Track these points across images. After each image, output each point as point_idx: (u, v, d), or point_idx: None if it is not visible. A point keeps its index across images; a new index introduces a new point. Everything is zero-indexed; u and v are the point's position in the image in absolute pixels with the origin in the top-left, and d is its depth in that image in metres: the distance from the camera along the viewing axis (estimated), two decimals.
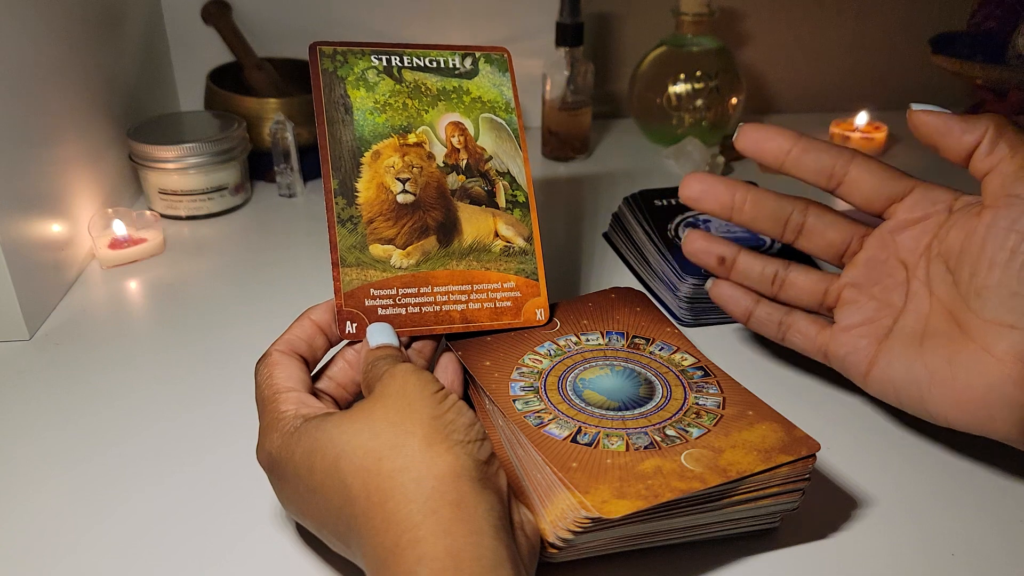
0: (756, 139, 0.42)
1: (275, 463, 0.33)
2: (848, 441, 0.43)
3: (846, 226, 0.43)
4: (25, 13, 0.53)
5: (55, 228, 0.56)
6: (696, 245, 0.46)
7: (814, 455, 0.34)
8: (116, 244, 0.61)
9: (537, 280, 0.45)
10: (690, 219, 0.58)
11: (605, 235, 0.65)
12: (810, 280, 0.44)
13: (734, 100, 0.80)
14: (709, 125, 0.80)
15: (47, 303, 0.55)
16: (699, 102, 0.79)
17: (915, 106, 0.40)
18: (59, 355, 0.50)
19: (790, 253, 0.51)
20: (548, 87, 0.77)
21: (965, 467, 0.41)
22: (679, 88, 0.79)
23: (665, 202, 0.60)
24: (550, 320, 0.45)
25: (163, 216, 0.67)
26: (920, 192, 0.41)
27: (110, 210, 0.62)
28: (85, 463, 0.42)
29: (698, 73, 0.78)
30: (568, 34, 0.75)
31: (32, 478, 0.41)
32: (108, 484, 0.40)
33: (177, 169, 0.65)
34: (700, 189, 0.43)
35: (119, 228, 0.61)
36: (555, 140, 0.79)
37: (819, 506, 0.39)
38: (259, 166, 0.73)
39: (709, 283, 0.47)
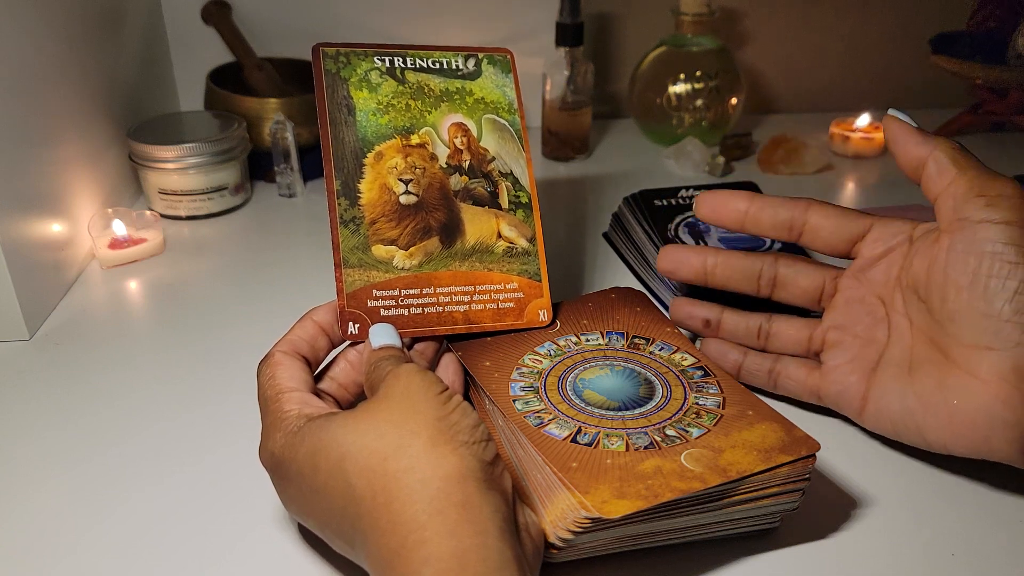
0: (713, 206, 0.44)
1: (278, 463, 0.33)
2: (848, 441, 0.43)
3: (817, 272, 0.44)
4: (25, 13, 0.53)
5: (55, 228, 0.56)
6: (682, 312, 0.47)
7: (814, 455, 0.34)
8: (116, 244, 0.61)
9: (540, 281, 0.45)
10: (690, 220, 0.58)
11: (605, 235, 0.65)
12: (794, 328, 0.44)
13: (734, 100, 0.80)
14: (709, 125, 0.80)
15: (47, 303, 0.55)
16: (699, 102, 0.79)
17: (891, 112, 0.41)
18: (59, 355, 0.50)
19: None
20: (548, 87, 0.77)
21: (965, 467, 0.41)
22: (679, 88, 0.79)
23: (665, 202, 0.60)
24: (553, 321, 0.45)
25: (163, 216, 0.67)
26: (879, 228, 0.42)
27: (110, 210, 0.62)
28: (85, 463, 0.42)
29: (698, 73, 0.78)
30: (568, 34, 0.75)
31: (32, 478, 0.41)
32: (108, 484, 0.40)
33: (177, 169, 0.65)
34: (674, 262, 0.46)
35: (119, 228, 0.61)
36: (555, 140, 0.79)
37: (819, 506, 0.39)
38: (259, 166, 0.73)
39: (699, 344, 0.48)
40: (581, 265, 0.61)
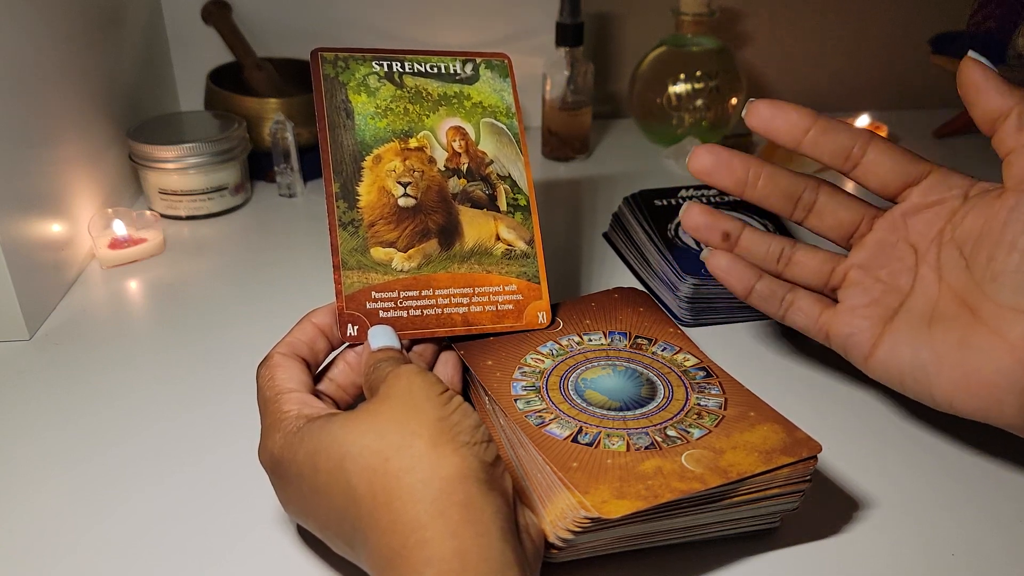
0: (770, 115, 0.40)
1: (277, 463, 0.33)
2: (849, 442, 0.43)
3: (858, 207, 0.42)
4: (25, 13, 0.53)
5: (55, 228, 0.56)
6: (698, 220, 0.43)
7: (815, 456, 0.34)
8: (116, 244, 0.61)
9: (539, 283, 0.45)
10: None
11: (605, 235, 0.65)
12: (816, 259, 0.43)
13: (734, 100, 0.80)
14: (709, 125, 0.80)
15: (47, 303, 0.55)
16: (699, 102, 0.79)
17: (972, 54, 0.38)
18: (59, 355, 0.50)
19: None
20: (548, 87, 0.77)
21: (965, 467, 0.41)
22: (679, 88, 0.79)
23: (665, 202, 0.60)
24: (552, 322, 0.45)
25: (163, 216, 0.67)
26: (937, 176, 0.40)
27: (110, 210, 0.62)
28: (85, 463, 0.42)
29: (698, 73, 0.78)
30: (568, 34, 0.75)
31: (32, 478, 0.41)
32: (108, 484, 0.40)
33: (177, 169, 0.65)
34: (712, 161, 0.41)
35: (119, 228, 0.61)
36: (555, 140, 0.79)
37: (819, 506, 0.39)
38: (259, 166, 0.73)
39: (706, 252, 0.44)
40: (581, 265, 0.61)
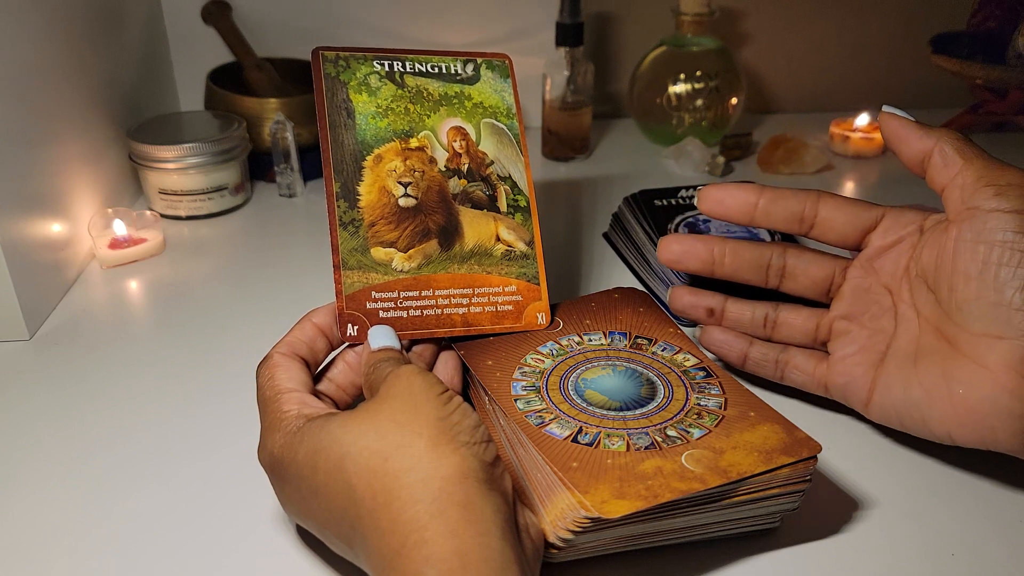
0: (720, 198, 0.43)
1: (277, 463, 0.33)
2: (849, 442, 0.43)
3: (826, 261, 0.43)
4: (25, 13, 0.53)
5: (55, 228, 0.56)
6: (684, 301, 0.46)
7: (815, 456, 0.34)
8: (116, 244, 0.61)
9: (538, 284, 0.45)
10: (690, 219, 0.58)
11: (605, 235, 0.65)
12: (801, 317, 0.44)
13: (734, 100, 0.80)
14: (709, 125, 0.80)
15: (47, 303, 0.55)
16: (699, 102, 0.79)
17: (886, 108, 0.41)
18: (59, 355, 0.50)
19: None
20: (548, 87, 0.77)
21: (965, 468, 0.41)
22: (679, 88, 0.79)
23: (665, 202, 0.60)
24: (552, 323, 0.45)
25: (163, 216, 0.67)
26: (891, 217, 0.41)
27: (110, 210, 0.62)
28: (85, 463, 0.42)
29: (698, 73, 0.78)
30: (568, 34, 0.75)
31: (32, 478, 0.41)
32: (108, 484, 0.40)
33: (177, 169, 0.65)
34: (679, 251, 0.44)
35: (119, 228, 0.61)
36: (555, 140, 0.79)
37: (819, 506, 0.39)
38: (259, 166, 0.73)
39: (698, 331, 0.47)
40: (581, 265, 0.61)
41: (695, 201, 0.44)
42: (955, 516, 0.38)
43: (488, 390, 0.39)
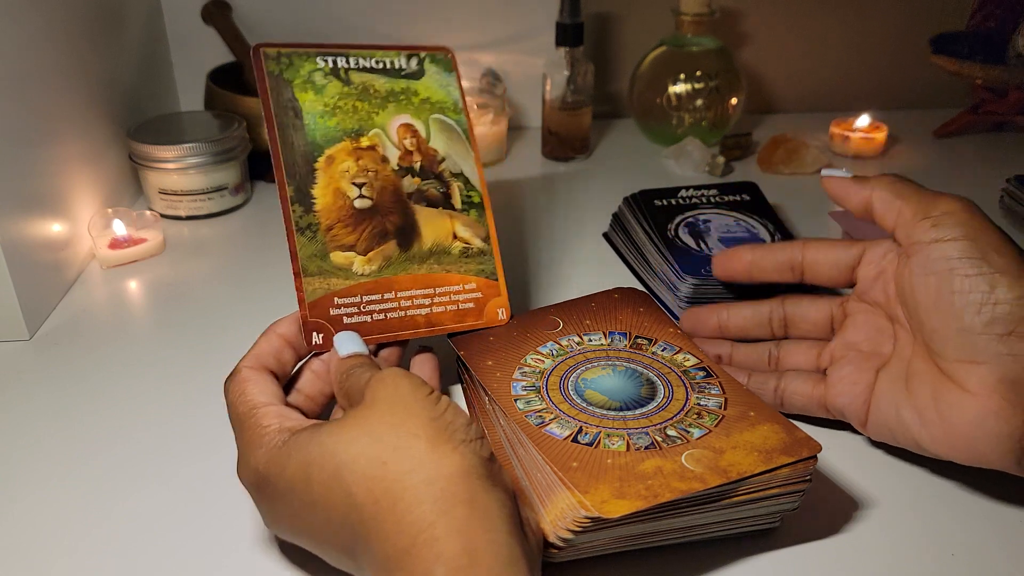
0: (723, 264, 0.48)
1: (263, 480, 0.32)
2: (849, 442, 0.43)
3: (823, 303, 0.45)
4: (25, 13, 0.53)
5: (55, 228, 0.56)
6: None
7: (815, 456, 0.34)
8: (116, 244, 0.61)
9: (497, 280, 0.45)
10: (690, 219, 0.58)
11: (605, 235, 0.65)
12: (802, 349, 0.45)
13: (734, 100, 0.80)
14: (709, 125, 0.80)
15: (47, 303, 0.55)
16: (699, 102, 0.79)
17: (824, 172, 0.44)
18: (59, 355, 0.50)
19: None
20: (548, 87, 0.77)
21: (965, 468, 0.41)
22: (679, 88, 0.79)
23: (665, 202, 0.60)
24: (512, 317, 0.45)
25: (163, 216, 0.67)
26: (870, 251, 0.43)
27: (110, 210, 0.62)
28: (85, 463, 0.42)
29: (698, 73, 0.78)
30: (568, 34, 0.75)
31: (32, 478, 0.41)
32: (108, 484, 0.40)
33: (177, 169, 0.65)
34: (693, 324, 0.48)
35: (119, 228, 0.61)
36: (555, 140, 0.79)
37: (819, 506, 0.39)
38: (259, 166, 0.73)
39: None
40: (581, 265, 0.61)
41: (713, 270, 0.49)
42: (955, 516, 0.38)
43: (488, 390, 0.39)
